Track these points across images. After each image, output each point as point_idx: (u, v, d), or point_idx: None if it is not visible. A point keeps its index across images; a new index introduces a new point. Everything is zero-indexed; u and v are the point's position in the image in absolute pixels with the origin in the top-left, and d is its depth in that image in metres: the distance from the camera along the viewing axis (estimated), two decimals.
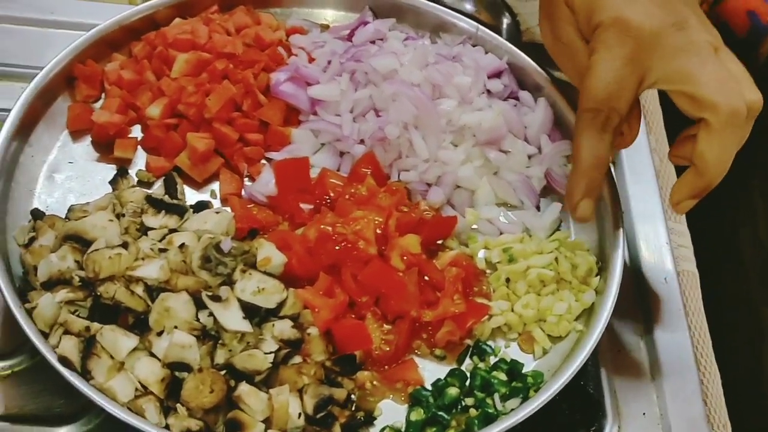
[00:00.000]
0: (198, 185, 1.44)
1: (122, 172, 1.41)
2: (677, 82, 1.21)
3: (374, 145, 1.44)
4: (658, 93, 1.71)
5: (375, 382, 1.27)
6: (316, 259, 1.30)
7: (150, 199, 1.34)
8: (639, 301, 1.46)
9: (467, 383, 1.29)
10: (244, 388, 1.19)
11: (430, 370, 1.31)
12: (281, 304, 1.26)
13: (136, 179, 1.42)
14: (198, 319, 1.21)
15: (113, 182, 1.40)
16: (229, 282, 1.25)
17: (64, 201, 1.38)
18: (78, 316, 1.20)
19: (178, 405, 1.17)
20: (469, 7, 1.74)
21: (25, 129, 1.40)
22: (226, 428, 1.17)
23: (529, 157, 1.49)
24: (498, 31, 1.68)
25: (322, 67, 1.51)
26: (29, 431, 1.22)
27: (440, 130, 1.44)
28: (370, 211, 1.33)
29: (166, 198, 1.35)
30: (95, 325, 1.19)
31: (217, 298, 1.22)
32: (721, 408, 1.39)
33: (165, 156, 1.44)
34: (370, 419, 1.25)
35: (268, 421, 1.18)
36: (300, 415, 1.19)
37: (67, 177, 1.41)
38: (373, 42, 1.54)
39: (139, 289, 1.21)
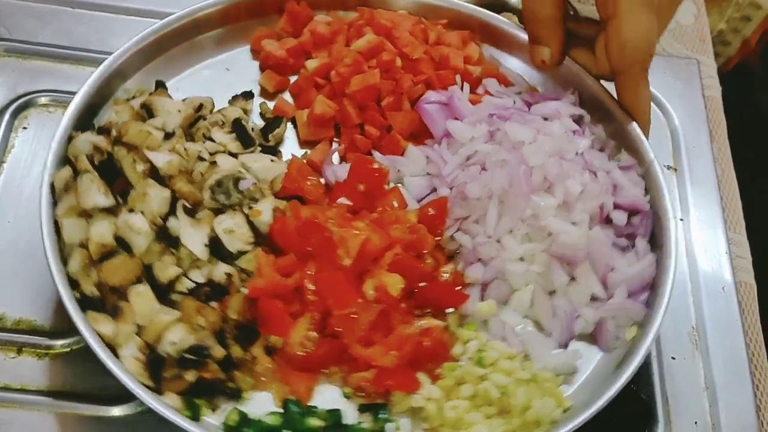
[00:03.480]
0: (301, 143, 1.50)
1: (247, 95, 1.51)
2: None
3: (455, 195, 1.40)
4: (723, 104, 1.74)
5: (268, 372, 1.25)
6: (299, 239, 1.30)
7: (236, 121, 1.42)
8: (695, 309, 1.48)
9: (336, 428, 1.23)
10: (139, 287, 1.24)
11: (327, 399, 1.27)
12: (241, 253, 1.29)
13: (259, 110, 1.51)
14: (165, 220, 1.28)
15: (233, 98, 1.50)
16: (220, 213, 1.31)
17: (194, 93, 1.48)
18: (93, 162, 1.32)
19: (92, 269, 1.25)
20: None
21: (215, 22, 1.54)
22: (109, 310, 1.24)
23: (594, 298, 1.35)
24: None
25: (475, 110, 1.48)
26: (84, 409, 1.28)
27: (519, 217, 1.35)
28: (372, 231, 1.30)
29: (249, 128, 1.43)
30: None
31: (191, 212, 1.29)
32: None
33: (295, 104, 1.52)
34: (234, 395, 1.24)
35: (142, 329, 1.23)
36: (173, 344, 1.22)
37: (213, 78, 1.54)
38: (546, 119, 1.48)
39: (141, 167, 1.30)
